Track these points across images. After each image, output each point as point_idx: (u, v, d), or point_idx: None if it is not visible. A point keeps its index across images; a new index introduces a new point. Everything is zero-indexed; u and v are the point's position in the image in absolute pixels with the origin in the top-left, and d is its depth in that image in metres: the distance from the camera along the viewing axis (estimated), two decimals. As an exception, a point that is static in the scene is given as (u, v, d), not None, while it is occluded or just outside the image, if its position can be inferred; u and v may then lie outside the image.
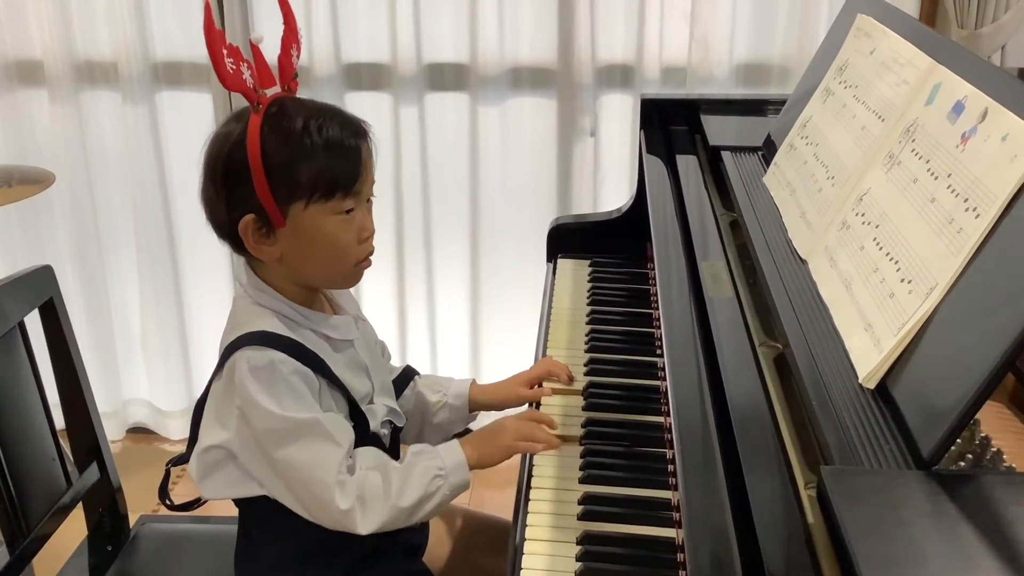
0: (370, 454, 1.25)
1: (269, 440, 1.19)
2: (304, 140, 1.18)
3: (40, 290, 1.50)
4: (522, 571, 1.11)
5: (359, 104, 2.51)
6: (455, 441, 1.29)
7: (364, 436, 1.27)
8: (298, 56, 1.27)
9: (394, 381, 1.44)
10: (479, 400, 1.47)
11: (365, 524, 1.20)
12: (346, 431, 1.23)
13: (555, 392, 1.45)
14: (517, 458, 1.35)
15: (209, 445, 1.24)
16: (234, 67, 1.17)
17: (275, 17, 1.27)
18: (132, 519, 1.66)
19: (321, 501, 1.19)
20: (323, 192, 1.19)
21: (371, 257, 1.27)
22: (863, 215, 1.17)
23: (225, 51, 1.16)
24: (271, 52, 1.24)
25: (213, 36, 1.15)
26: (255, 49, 1.21)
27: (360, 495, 1.19)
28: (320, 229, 1.20)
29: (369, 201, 1.25)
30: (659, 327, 1.54)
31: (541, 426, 1.32)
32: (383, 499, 1.20)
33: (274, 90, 1.21)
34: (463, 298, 2.71)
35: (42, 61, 2.52)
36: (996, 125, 0.99)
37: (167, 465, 1.42)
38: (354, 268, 1.26)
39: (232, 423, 1.21)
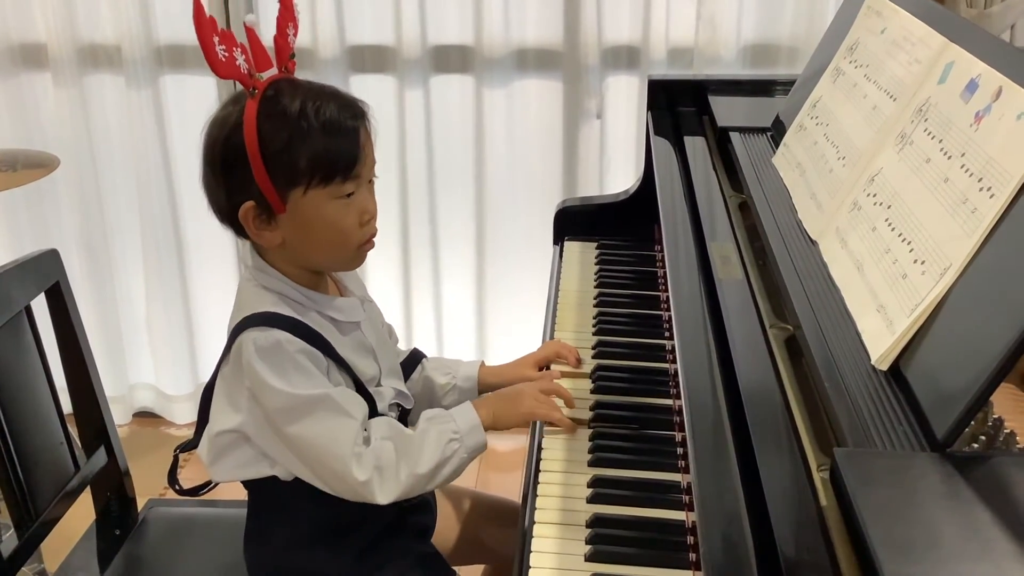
0: (384, 424, 1.25)
1: (282, 418, 1.19)
2: (301, 123, 1.16)
3: (46, 274, 1.50)
4: (532, 554, 1.11)
5: (363, 87, 2.49)
6: (468, 403, 1.29)
7: (372, 418, 1.27)
8: (295, 36, 1.25)
9: (402, 364, 1.44)
10: (488, 382, 1.47)
11: (384, 494, 1.20)
12: (359, 403, 1.23)
13: (563, 375, 1.45)
14: (525, 441, 1.34)
15: (222, 429, 1.24)
16: (227, 54, 1.15)
17: (277, -3, 1.26)
18: (140, 503, 1.66)
19: (339, 474, 1.19)
20: (322, 176, 1.17)
21: (374, 239, 1.26)
22: (875, 195, 1.16)
23: (217, 38, 1.14)
24: (270, 33, 1.23)
25: (203, 25, 1.13)
26: (250, 32, 1.19)
27: (377, 465, 1.20)
28: (320, 214, 1.19)
29: (371, 182, 1.24)
30: (667, 309, 1.54)
31: (553, 398, 1.32)
32: (400, 467, 1.20)
33: (271, 72, 1.20)
34: (469, 281, 2.70)
35: (46, 44, 2.51)
36: (1011, 103, 0.98)
37: (175, 451, 1.42)
38: (357, 250, 1.25)
39: (244, 405, 1.21)
